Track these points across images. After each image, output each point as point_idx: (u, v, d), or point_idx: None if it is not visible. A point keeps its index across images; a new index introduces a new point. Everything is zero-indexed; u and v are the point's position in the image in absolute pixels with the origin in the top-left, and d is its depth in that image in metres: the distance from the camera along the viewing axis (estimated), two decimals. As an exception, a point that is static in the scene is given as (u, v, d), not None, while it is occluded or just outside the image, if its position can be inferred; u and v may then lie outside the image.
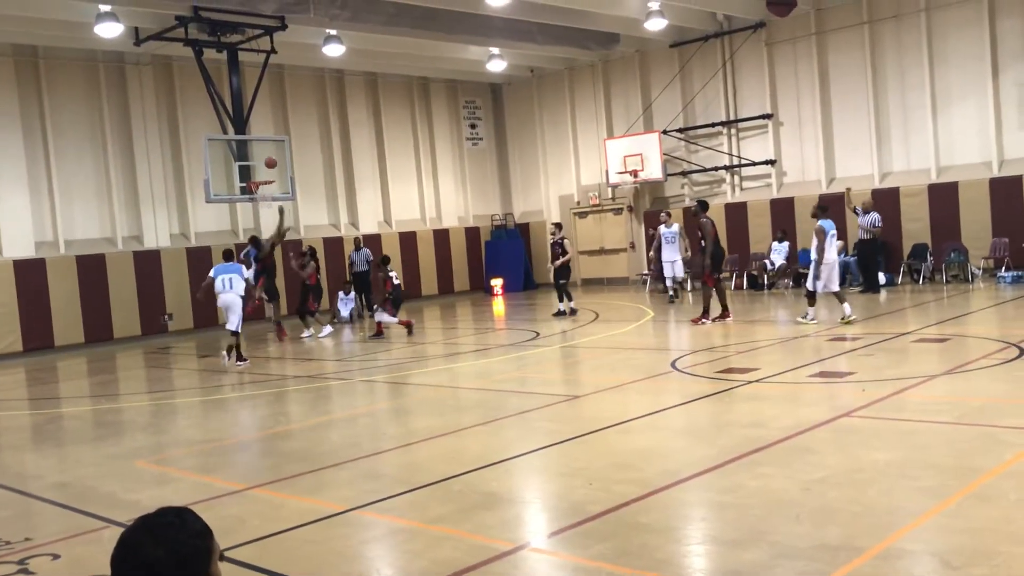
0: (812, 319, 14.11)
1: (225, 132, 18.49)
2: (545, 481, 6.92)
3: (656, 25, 20.90)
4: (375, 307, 17.75)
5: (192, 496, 6.72)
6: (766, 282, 21.09)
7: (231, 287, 14.70)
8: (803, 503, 5.58)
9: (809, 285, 14.23)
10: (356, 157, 24.51)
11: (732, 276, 21.84)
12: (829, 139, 21.63)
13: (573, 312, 18.16)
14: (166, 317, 20.71)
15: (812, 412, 8.11)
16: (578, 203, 26.35)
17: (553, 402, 9.68)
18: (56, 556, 5.71)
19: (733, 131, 23.20)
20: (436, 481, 6.71)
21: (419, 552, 5.40)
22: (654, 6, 20.26)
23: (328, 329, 18.34)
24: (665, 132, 23.75)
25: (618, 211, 25.39)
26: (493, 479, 6.79)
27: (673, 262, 19.46)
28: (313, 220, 23.68)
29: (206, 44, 18.18)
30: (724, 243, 19.07)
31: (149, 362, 17.10)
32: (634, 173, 23.59)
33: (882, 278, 19.10)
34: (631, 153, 23.68)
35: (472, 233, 27.04)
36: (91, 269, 19.65)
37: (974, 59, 19.41)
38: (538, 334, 16.14)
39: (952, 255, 19.33)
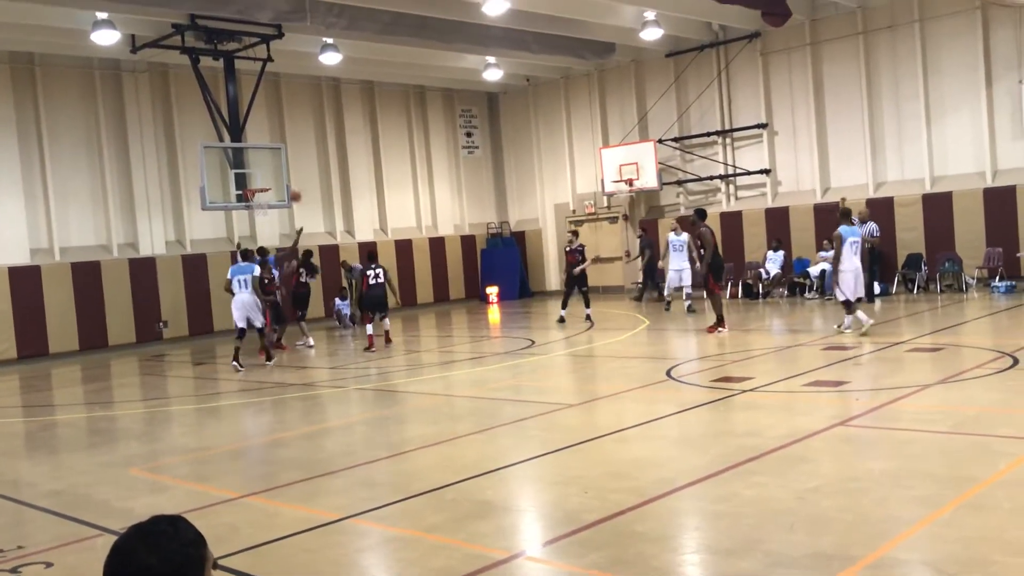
0: (848, 328, 13.57)
1: (221, 140, 18.50)
2: (540, 490, 6.92)
3: (652, 35, 20.98)
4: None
5: (186, 504, 6.70)
6: (761, 291, 21.13)
7: (246, 287, 15.11)
8: (797, 512, 5.59)
9: (839, 295, 13.64)
10: (352, 165, 24.53)
11: (727, 285, 21.87)
12: (824, 149, 21.70)
13: (561, 319, 18.25)
14: (161, 324, 20.67)
15: (807, 421, 8.12)
16: (573, 211, 26.38)
17: (548, 410, 9.68)
18: (49, 564, 5.68)
19: (728, 140, 23.27)
20: (431, 489, 6.70)
21: (414, 561, 5.39)
22: (650, 16, 20.34)
23: (311, 341, 18.04)
24: (660, 141, 23.81)
25: (613, 220, 25.43)
26: (488, 487, 6.79)
27: (680, 271, 19.14)
28: (309, 228, 23.64)
29: (203, 52, 18.20)
30: (695, 254, 19.06)
31: (144, 369, 17.07)
32: (629, 182, 23.63)
33: (876, 288, 19.13)
34: (627, 162, 23.73)
35: (468, 241, 27.06)
36: (86, 276, 19.62)
37: (968, 69, 19.51)
38: (533, 342, 16.15)
39: (946, 265, 19.38)
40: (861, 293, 13.75)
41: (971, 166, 19.70)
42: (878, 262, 19.68)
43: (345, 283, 22.26)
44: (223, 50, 18.35)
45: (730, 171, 23.14)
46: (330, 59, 20.18)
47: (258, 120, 21.52)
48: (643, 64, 24.55)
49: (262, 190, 18.23)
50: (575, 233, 19.47)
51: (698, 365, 12.34)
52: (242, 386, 13.51)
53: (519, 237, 27.54)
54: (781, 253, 21.17)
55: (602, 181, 24.46)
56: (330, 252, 23.35)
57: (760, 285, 21.19)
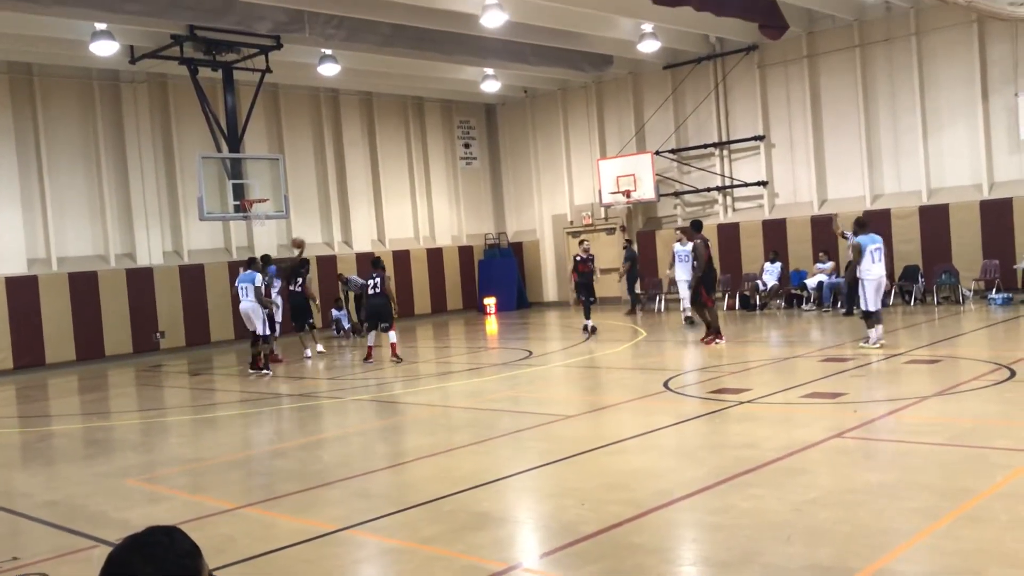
0: (874, 342, 13.10)
1: (219, 150, 18.52)
2: (537, 501, 6.90)
3: (649, 47, 21.06)
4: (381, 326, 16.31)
5: (182, 515, 6.68)
6: (758, 302, 21.14)
7: (248, 295, 15.43)
8: (795, 524, 5.58)
9: (863, 306, 13.27)
10: (350, 175, 24.57)
11: (724, 296, 21.90)
12: (821, 161, 21.77)
13: (592, 328, 18.18)
14: (158, 335, 20.65)
15: (804, 433, 8.11)
16: (571, 223, 26.43)
17: (545, 422, 9.67)
18: None
19: (725, 152, 23.33)
20: (428, 501, 6.69)
21: (410, 572, 5.38)
22: (647, 28, 20.42)
23: (308, 352, 17.96)
24: (658, 153, 23.87)
25: (611, 231, 25.47)
26: (485, 499, 6.78)
27: (687, 281, 18.29)
28: (306, 238, 23.62)
29: (201, 63, 18.25)
30: (716, 263, 18.99)
31: (140, 380, 17.03)
32: (627, 193, 23.68)
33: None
34: (624, 173, 23.78)
35: (465, 252, 27.08)
36: (83, 286, 19.61)
37: (964, 82, 19.59)
38: (531, 353, 16.14)
39: (943, 277, 19.41)
40: (878, 305, 13.17)
41: (968, 178, 19.77)
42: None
43: (341, 294, 22.35)
44: (222, 61, 18.40)
45: (727, 183, 23.19)
46: (329, 70, 20.23)
47: (256, 131, 21.55)
48: (641, 76, 24.63)
49: (260, 200, 18.25)
50: (583, 243, 19.21)
51: (695, 377, 12.34)
52: (239, 397, 13.49)
53: (517, 248, 27.57)
54: (778, 265, 21.20)
55: (599, 192, 24.50)
56: (328, 263, 23.36)
57: (757, 297, 21.21)
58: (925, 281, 19.65)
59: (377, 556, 5.83)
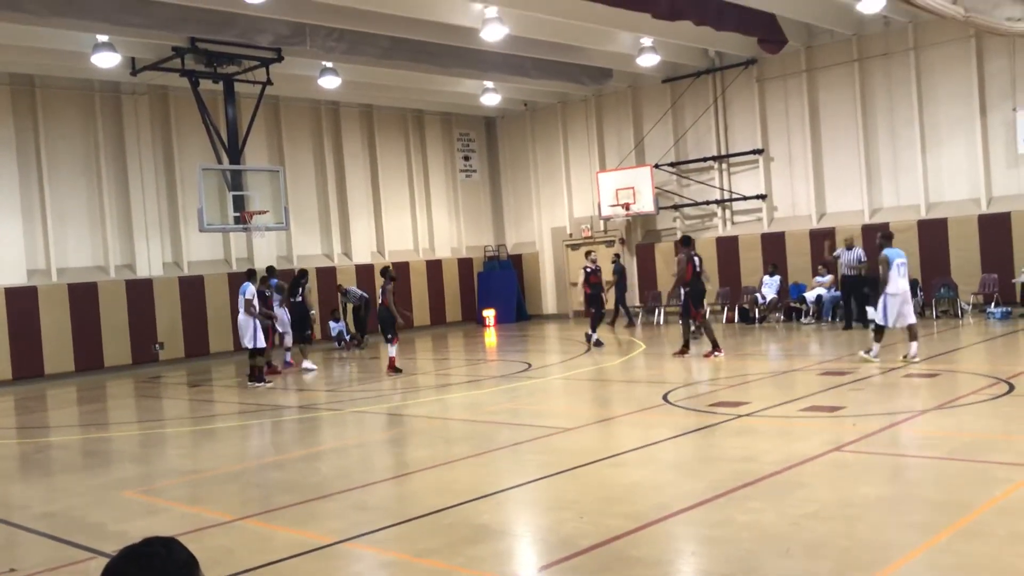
0: (876, 356, 13.05)
1: (220, 162, 18.57)
2: (536, 514, 6.89)
3: (648, 61, 21.14)
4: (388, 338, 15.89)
5: (180, 527, 6.67)
6: (757, 316, 21.15)
7: (240, 307, 15.58)
8: (793, 537, 5.57)
9: (877, 319, 13.08)
10: (350, 188, 24.61)
11: (723, 309, 21.91)
12: (819, 174, 21.82)
13: (598, 342, 18.10)
14: (157, 346, 20.64)
15: (803, 446, 8.11)
16: (570, 235, 26.46)
17: (544, 434, 9.66)
18: (41, 587, 5.65)
19: (724, 166, 23.39)
20: (426, 513, 6.67)
21: (408, 585, 5.36)
22: (647, 42, 20.51)
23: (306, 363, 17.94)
24: (657, 166, 23.93)
25: (610, 243, 25.49)
26: (484, 512, 6.76)
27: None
28: (307, 250, 23.72)
29: (202, 75, 18.32)
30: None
31: (139, 391, 17.01)
32: (626, 206, 23.72)
33: (871, 313, 19.13)
34: (623, 186, 23.83)
35: (465, 264, 27.10)
36: (83, 297, 19.60)
37: (962, 97, 19.66)
38: (530, 365, 16.13)
39: (942, 290, 19.42)
40: (912, 319, 12.99)
41: (966, 193, 19.82)
42: (872, 287, 19.72)
43: (340, 306, 22.35)
44: (223, 73, 18.46)
45: (726, 196, 23.23)
46: (329, 83, 20.29)
47: (257, 143, 21.61)
48: (640, 90, 24.72)
49: (260, 212, 18.28)
50: (591, 254, 19.15)
51: (694, 390, 12.34)
52: (237, 408, 13.47)
53: (516, 260, 27.59)
54: (777, 278, 21.21)
55: (599, 205, 24.54)
56: (327, 274, 23.37)
57: (756, 310, 21.21)
58: (924, 295, 19.66)
59: (375, 569, 5.81)
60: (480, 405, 12.32)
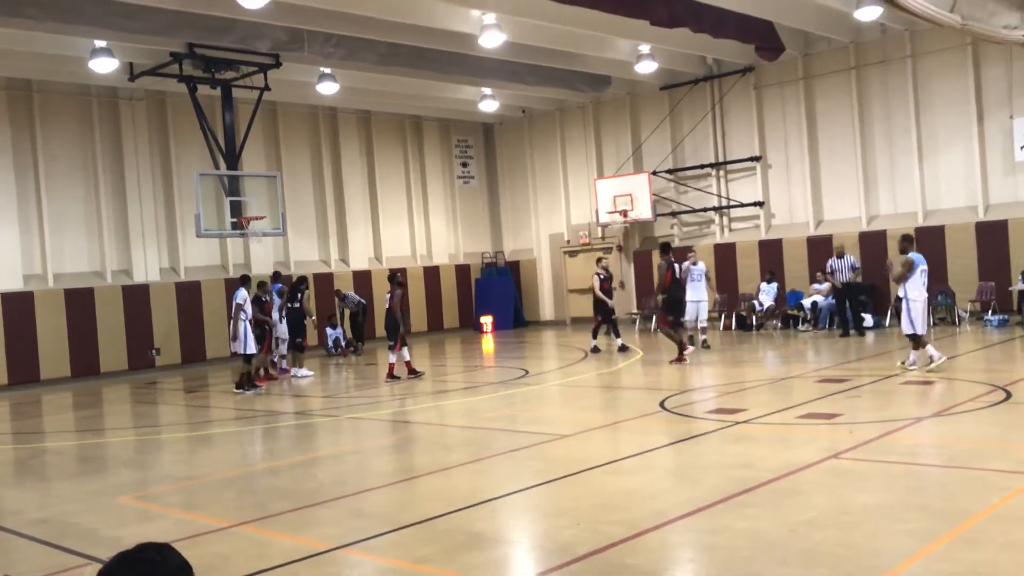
0: (913, 365, 12.68)
1: (217, 167, 18.57)
2: (532, 521, 6.88)
3: (646, 68, 21.17)
4: (391, 345, 15.85)
5: (175, 533, 6.64)
6: (754, 323, 21.15)
7: (232, 313, 15.61)
8: (790, 545, 5.56)
9: (905, 328, 12.76)
10: (348, 194, 24.61)
11: (721, 316, 21.91)
12: (817, 182, 21.85)
13: (595, 348, 18.03)
14: (154, 352, 20.61)
15: (800, 454, 8.10)
16: (568, 242, 26.47)
17: (541, 441, 9.64)
18: (35, 593, 5.63)
19: (722, 173, 23.41)
20: (422, 520, 6.66)
21: (404, 592, 5.34)
22: (644, 49, 20.54)
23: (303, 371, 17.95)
24: (655, 173, 23.95)
25: (607, 250, 25.51)
26: (480, 519, 6.75)
27: (698, 302, 17.65)
28: (304, 256, 23.71)
29: (200, 80, 18.32)
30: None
31: (135, 397, 16.98)
32: (624, 213, 23.74)
33: (869, 320, 19.18)
34: (621, 193, 23.86)
35: (462, 270, 27.10)
36: (79, 303, 19.57)
37: (959, 105, 19.71)
38: (527, 372, 16.12)
39: (939, 298, 19.43)
40: (924, 328, 12.75)
41: (963, 200, 19.85)
42: (869, 294, 19.80)
43: (337, 311, 22.35)
44: (221, 79, 18.46)
45: (724, 203, 23.26)
46: (327, 89, 20.31)
47: (254, 148, 21.62)
48: (638, 97, 24.76)
49: (257, 218, 18.28)
50: (602, 260, 19.00)
51: (692, 396, 12.33)
52: (234, 414, 13.44)
53: (514, 267, 27.60)
54: (775, 285, 21.22)
55: (596, 212, 24.56)
56: (325, 280, 23.35)
57: (754, 317, 21.22)
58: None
59: None
60: (477, 411, 12.30)
